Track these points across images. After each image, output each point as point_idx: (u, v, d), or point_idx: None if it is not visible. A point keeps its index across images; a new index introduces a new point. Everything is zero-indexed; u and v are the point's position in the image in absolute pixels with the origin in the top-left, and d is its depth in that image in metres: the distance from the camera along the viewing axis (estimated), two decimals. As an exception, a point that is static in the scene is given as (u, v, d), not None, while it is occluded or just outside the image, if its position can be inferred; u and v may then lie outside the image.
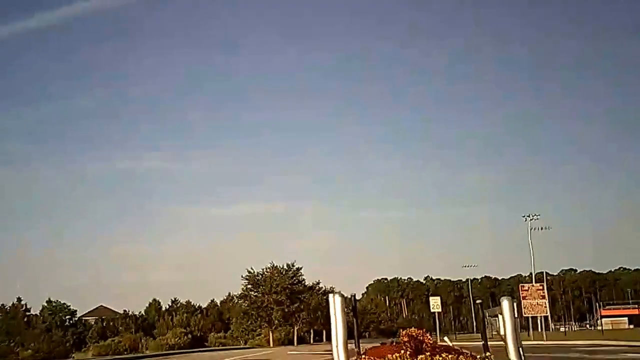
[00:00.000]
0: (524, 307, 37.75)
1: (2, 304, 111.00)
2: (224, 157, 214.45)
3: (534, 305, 37.20)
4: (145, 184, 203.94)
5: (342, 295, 13.23)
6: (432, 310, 48.55)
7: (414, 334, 17.14)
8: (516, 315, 8.96)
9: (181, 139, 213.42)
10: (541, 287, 38.08)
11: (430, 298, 50.04)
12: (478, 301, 14.57)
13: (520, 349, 8.70)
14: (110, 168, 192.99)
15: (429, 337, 17.16)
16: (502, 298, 8.95)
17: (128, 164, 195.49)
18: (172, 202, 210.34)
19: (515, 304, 9.15)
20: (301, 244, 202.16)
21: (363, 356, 16.50)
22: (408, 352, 14.52)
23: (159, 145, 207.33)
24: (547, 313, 39.02)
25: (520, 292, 38.43)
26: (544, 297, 37.43)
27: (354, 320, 17.16)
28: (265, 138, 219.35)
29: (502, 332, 9.05)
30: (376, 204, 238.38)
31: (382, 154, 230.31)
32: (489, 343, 12.39)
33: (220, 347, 42.93)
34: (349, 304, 17.39)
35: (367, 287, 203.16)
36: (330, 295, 12.86)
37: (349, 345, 9.64)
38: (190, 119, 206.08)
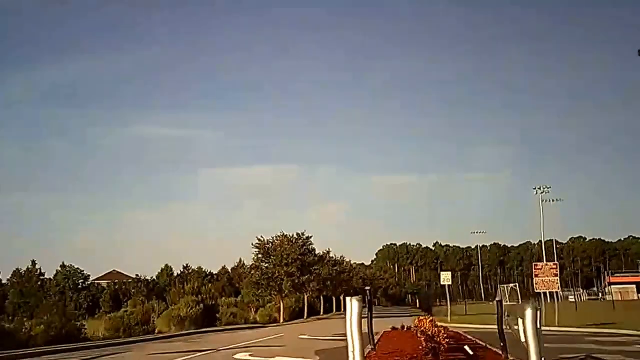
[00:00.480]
0: (536, 284, 37.53)
1: (17, 268, 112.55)
2: (236, 123, 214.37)
3: (546, 282, 37.00)
4: (156, 149, 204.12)
5: (359, 300, 13.17)
6: (442, 283, 48.51)
7: (429, 332, 17.21)
8: (539, 326, 8.99)
9: (193, 104, 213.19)
10: (554, 266, 37.74)
11: (441, 273, 49.97)
12: (500, 301, 14.45)
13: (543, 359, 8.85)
14: (123, 134, 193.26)
15: (443, 332, 17.23)
16: (526, 306, 9.02)
17: (141, 130, 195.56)
18: (184, 168, 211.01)
19: (539, 312, 9.06)
20: (312, 209, 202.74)
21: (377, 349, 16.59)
22: (423, 352, 14.62)
23: (170, 112, 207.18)
24: (558, 289, 38.85)
25: (533, 270, 38.20)
26: (556, 275, 37.21)
27: (369, 315, 17.19)
28: (279, 105, 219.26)
29: (522, 339, 9.15)
30: (387, 170, 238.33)
31: (393, 120, 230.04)
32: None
33: (230, 327, 42.87)
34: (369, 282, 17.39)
35: (376, 254, 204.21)
36: (348, 299, 12.80)
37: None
38: (202, 85, 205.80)
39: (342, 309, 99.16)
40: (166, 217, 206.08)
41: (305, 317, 67.73)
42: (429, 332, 17.14)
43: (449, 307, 46.75)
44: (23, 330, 25.95)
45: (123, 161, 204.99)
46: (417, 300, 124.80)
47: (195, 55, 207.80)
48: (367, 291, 17.96)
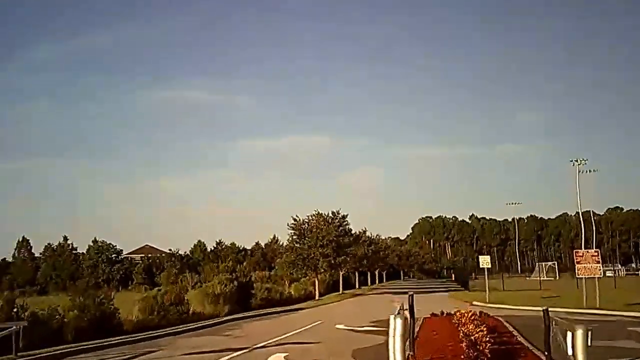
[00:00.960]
0: (578, 270, 36.64)
1: (49, 243, 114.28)
2: (270, 91, 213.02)
3: (589, 269, 36.09)
4: (190, 117, 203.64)
5: (403, 318, 12.34)
6: (481, 266, 47.66)
7: (472, 337, 16.44)
8: (589, 344, 8.52)
9: (227, 72, 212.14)
10: (596, 253, 36.85)
11: (480, 257, 49.15)
12: (547, 310, 13.48)
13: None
14: (154, 101, 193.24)
15: (486, 331, 16.43)
16: (577, 327, 8.53)
17: (172, 97, 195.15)
18: (216, 137, 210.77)
19: (590, 333, 8.47)
20: (345, 181, 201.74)
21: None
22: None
23: (204, 79, 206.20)
24: (600, 275, 37.76)
25: (575, 258, 37.33)
26: (598, 262, 36.26)
27: (411, 319, 16.45)
28: (311, 73, 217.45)
29: (570, 352, 8.72)
30: (421, 142, 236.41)
31: (428, 88, 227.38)
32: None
33: (265, 311, 42.27)
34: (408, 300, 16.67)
35: (412, 228, 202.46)
36: (391, 317, 11.99)
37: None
38: (236, 51, 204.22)
39: (377, 283, 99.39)
40: (198, 188, 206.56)
41: (340, 291, 67.63)
42: (472, 337, 16.44)
43: (487, 290, 45.72)
44: (57, 316, 25.66)
45: (155, 129, 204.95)
46: (453, 275, 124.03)
47: (231, 21, 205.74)
48: (411, 297, 17.34)
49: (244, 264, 61.11)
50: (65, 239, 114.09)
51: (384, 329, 21.71)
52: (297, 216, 62.01)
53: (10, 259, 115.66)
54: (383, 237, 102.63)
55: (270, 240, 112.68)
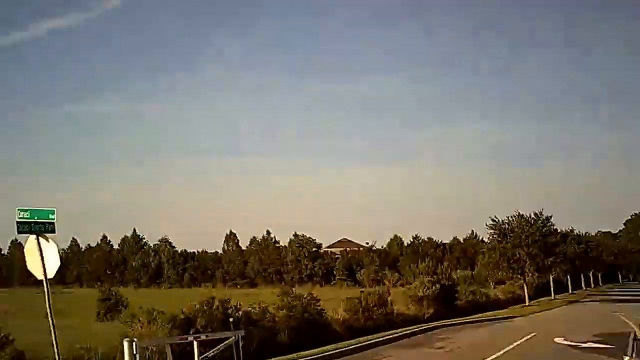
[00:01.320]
0: None
1: (254, 237, 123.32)
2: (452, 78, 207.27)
3: None
4: (374, 106, 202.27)
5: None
6: None
7: None
8: None
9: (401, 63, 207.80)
10: None
11: None
12: None
13: None
14: (338, 92, 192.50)
15: None
16: None
17: (348, 88, 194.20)
18: (403, 126, 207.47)
19: None
20: (538, 174, 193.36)
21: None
22: None
23: (379, 68, 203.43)
24: None
25: None
26: None
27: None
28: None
29: None
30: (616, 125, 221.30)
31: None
32: None
33: (471, 319, 40.57)
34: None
35: (624, 224, 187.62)
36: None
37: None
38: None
39: (592, 286, 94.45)
40: (386, 181, 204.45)
41: (552, 296, 64.68)
42: None
43: None
44: (267, 315, 26.77)
45: (333, 120, 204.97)
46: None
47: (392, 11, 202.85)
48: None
49: (445, 263, 60.00)
50: (268, 232, 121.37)
51: (611, 346, 19.81)
52: (495, 216, 59.62)
53: (220, 251, 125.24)
54: (592, 233, 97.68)
55: (468, 236, 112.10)
